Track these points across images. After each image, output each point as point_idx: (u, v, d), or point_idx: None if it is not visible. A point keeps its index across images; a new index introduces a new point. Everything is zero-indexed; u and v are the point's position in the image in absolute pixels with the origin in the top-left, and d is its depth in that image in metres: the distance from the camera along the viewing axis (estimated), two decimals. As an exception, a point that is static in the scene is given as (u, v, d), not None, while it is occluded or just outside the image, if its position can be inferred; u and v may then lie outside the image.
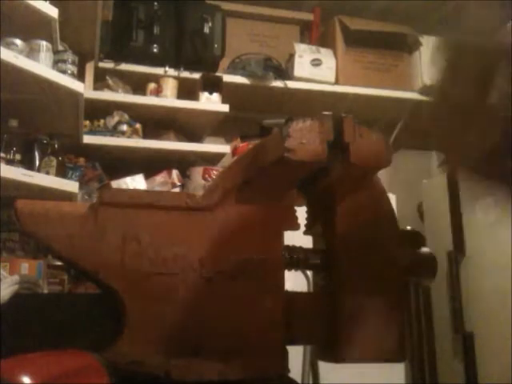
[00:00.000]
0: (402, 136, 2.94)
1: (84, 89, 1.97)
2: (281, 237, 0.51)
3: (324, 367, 1.70)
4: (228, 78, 2.56)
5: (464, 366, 2.09)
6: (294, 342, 0.51)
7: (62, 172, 1.97)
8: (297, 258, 0.52)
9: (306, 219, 0.56)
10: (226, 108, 2.46)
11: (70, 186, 1.90)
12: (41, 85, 1.82)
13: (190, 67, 2.53)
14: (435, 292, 2.32)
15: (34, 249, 1.84)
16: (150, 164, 2.38)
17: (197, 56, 2.53)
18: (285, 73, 2.69)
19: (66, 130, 2.13)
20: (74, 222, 0.46)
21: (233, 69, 2.68)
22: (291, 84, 2.66)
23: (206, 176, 2.36)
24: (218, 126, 2.65)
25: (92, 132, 2.32)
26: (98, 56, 2.45)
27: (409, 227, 0.57)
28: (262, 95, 2.68)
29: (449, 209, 2.32)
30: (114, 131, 2.34)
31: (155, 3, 2.48)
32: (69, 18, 2.07)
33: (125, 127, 2.35)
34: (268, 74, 2.61)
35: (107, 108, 2.33)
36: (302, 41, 2.90)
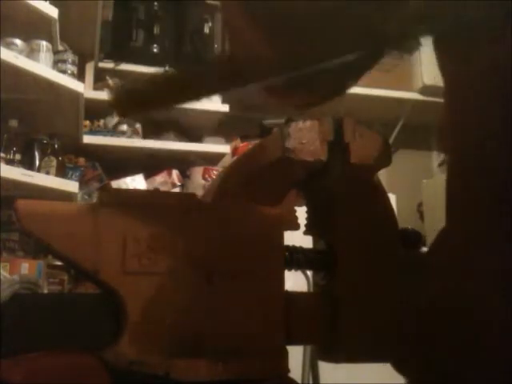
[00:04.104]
0: (401, 136, 2.94)
1: (84, 89, 1.97)
2: (281, 237, 0.51)
3: (324, 367, 1.70)
4: (228, 78, 2.56)
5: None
6: (293, 342, 0.51)
7: (61, 172, 1.97)
8: (297, 258, 0.52)
9: (306, 219, 0.56)
10: (226, 108, 2.46)
11: (70, 186, 1.90)
12: (41, 85, 1.82)
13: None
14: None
15: (33, 249, 1.84)
16: (150, 164, 2.38)
17: (197, 56, 2.53)
18: (285, 73, 2.69)
19: (66, 130, 2.13)
20: (73, 221, 0.45)
21: (233, 69, 2.67)
22: (291, 84, 2.65)
23: (206, 176, 2.36)
24: (218, 126, 2.65)
25: (92, 132, 2.33)
26: (98, 56, 2.46)
27: (409, 227, 0.57)
28: (262, 95, 2.67)
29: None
30: (114, 131, 2.34)
31: (155, 3, 2.48)
32: (69, 17, 2.07)
33: (125, 127, 2.35)
34: (268, 74, 2.60)
35: (107, 108, 2.32)
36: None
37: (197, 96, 0.50)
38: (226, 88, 0.50)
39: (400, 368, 0.51)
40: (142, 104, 0.49)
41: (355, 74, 0.43)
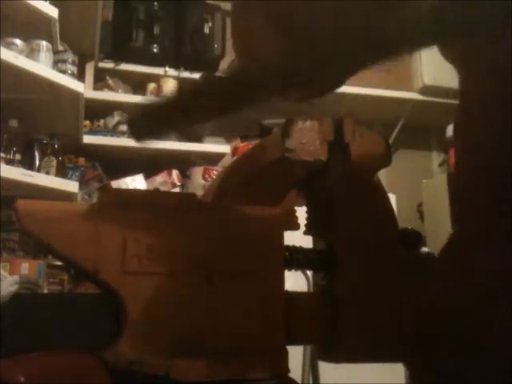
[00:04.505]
0: (401, 136, 2.94)
1: (84, 89, 1.97)
2: (281, 237, 0.51)
3: (324, 367, 1.70)
4: (228, 78, 2.56)
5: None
6: (294, 342, 0.51)
7: (61, 172, 1.97)
8: (297, 258, 0.52)
9: (306, 219, 0.56)
10: (225, 108, 2.46)
11: (70, 186, 1.90)
12: (41, 85, 1.82)
13: (190, 67, 2.53)
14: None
15: (34, 249, 1.84)
16: (150, 164, 2.38)
17: (197, 56, 2.53)
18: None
19: (66, 130, 2.13)
20: (73, 221, 0.45)
21: (233, 69, 2.67)
22: (291, 84, 2.65)
23: (206, 176, 2.36)
24: (218, 126, 2.65)
25: (92, 132, 2.33)
26: (98, 56, 2.46)
27: (409, 227, 0.57)
28: (262, 95, 2.67)
29: (449, 209, 2.31)
30: (114, 131, 2.34)
31: (155, 3, 2.48)
32: (69, 17, 2.07)
33: (125, 127, 2.35)
34: (268, 74, 2.60)
35: (107, 108, 2.33)
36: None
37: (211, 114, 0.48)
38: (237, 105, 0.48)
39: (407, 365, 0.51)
40: (161, 122, 0.47)
41: (353, 66, 0.42)
